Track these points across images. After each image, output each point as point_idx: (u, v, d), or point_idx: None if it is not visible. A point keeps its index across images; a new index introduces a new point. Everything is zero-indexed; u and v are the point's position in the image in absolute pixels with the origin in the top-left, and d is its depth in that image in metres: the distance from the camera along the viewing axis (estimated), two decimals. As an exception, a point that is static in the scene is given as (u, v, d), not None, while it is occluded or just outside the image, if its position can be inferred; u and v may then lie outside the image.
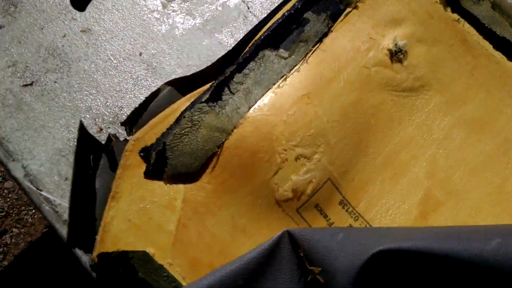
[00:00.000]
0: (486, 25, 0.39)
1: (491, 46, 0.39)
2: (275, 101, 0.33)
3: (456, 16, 0.39)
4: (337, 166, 0.33)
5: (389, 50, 0.36)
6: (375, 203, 0.34)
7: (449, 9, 0.40)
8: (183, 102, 0.32)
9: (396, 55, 0.36)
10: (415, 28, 0.37)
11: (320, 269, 0.27)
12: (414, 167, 0.35)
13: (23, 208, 1.23)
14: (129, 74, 0.38)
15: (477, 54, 0.39)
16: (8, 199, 1.22)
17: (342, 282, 0.27)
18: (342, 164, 0.33)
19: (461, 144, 0.36)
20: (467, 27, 0.40)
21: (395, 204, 0.34)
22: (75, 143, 0.29)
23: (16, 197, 1.23)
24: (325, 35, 0.35)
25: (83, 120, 0.36)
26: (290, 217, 0.32)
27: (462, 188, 0.35)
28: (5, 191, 1.23)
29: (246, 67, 0.33)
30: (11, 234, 1.20)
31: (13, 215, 1.21)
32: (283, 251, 0.29)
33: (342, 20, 0.36)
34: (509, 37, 0.38)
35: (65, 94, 0.37)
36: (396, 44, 0.36)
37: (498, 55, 0.39)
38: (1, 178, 1.23)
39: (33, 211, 1.23)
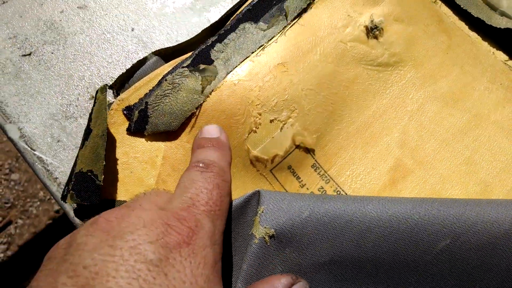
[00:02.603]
0: (461, 6, 0.41)
1: (467, 26, 0.41)
2: (252, 68, 0.35)
3: (433, -2, 0.41)
4: (310, 131, 0.35)
5: (366, 26, 0.38)
6: (346, 168, 0.35)
7: (426, -8, 0.42)
8: (166, 68, 0.35)
9: (372, 31, 0.38)
10: (392, 7, 0.39)
11: (273, 232, 0.28)
12: (386, 136, 0.37)
13: (28, 200, 1.26)
14: (121, 48, 0.41)
15: (452, 34, 0.41)
16: (14, 191, 1.25)
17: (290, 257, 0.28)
18: (316, 129, 0.35)
19: (433, 117, 0.38)
20: (444, 8, 0.41)
21: (366, 170, 0.35)
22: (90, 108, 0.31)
23: (22, 189, 1.26)
24: (304, 10, 0.37)
25: (76, 87, 0.39)
26: (264, 176, 0.34)
27: (432, 158, 0.36)
28: (12, 182, 1.26)
29: (227, 37, 0.35)
30: (16, 225, 1.23)
31: (18, 206, 1.24)
32: (249, 208, 0.31)
33: (321, -2, 0.38)
34: (483, 18, 0.40)
35: (60, 64, 0.40)
36: (372, 21, 0.38)
37: (473, 35, 0.41)
38: (8, 170, 1.26)
39: (38, 203, 1.26)
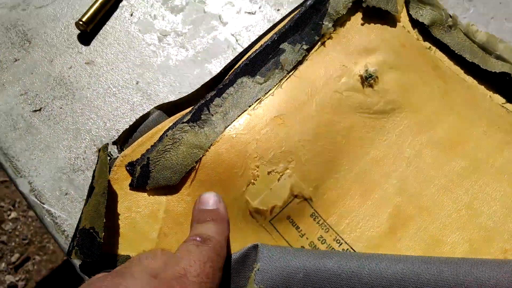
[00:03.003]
0: (456, 51, 0.41)
1: (462, 71, 0.42)
2: (249, 121, 0.36)
3: (427, 44, 0.42)
4: (308, 181, 0.36)
5: (360, 76, 0.39)
6: (345, 217, 0.36)
7: (421, 38, 0.42)
8: (167, 123, 0.36)
9: (367, 80, 0.39)
10: (387, 56, 0.40)
11: None
12: (384, 183, 0.37)
13: (45, 236, 1.28)
14: (126, 101, 0.42)
15: (448, 79, 0.41)
16: (32, 227, 1.28)
17: None
18: (314, 179, 0.36)
19: (431, 163, 0.38)
20: (439, 54, 0.42)
21: (365, 218, 0.36)
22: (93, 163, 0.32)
23: (40, 225, 1.29)
24: (300, 63, 0.39)
25: (83, 141, 0.40)
26: (264, 228, 0.35)
27: (432, 204, 0.36)
28: (29, 219, 1.28)
29: (225, 92, 0.37)
30: (33, 261, 1.24)
31: (36, 242, 1.26)
32: (248, 262, 0.31)
33: (316, 49, 0.40)
34: (478, 63, 0.41)
35: (69, 119, 0.42)
36: (366, 70, 0.39)
37: (469, 79, 0.41)
38: (26, 206, 1.29)
39: (55, 239, 1.27)
